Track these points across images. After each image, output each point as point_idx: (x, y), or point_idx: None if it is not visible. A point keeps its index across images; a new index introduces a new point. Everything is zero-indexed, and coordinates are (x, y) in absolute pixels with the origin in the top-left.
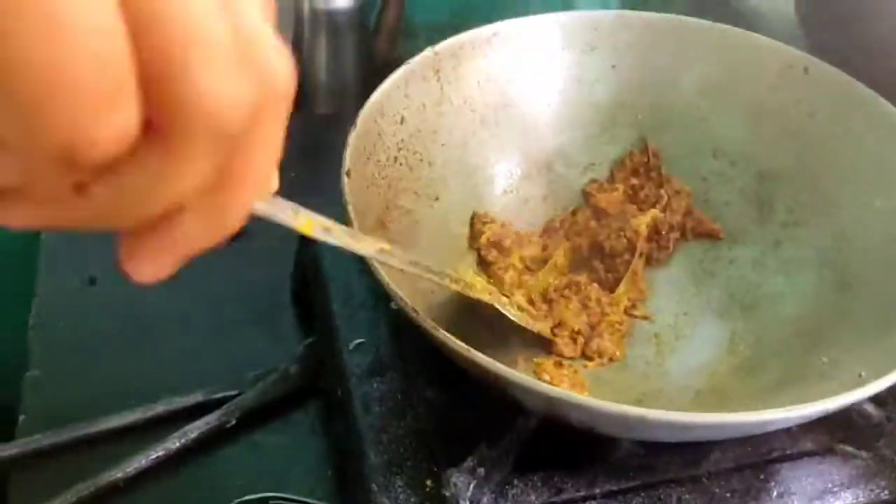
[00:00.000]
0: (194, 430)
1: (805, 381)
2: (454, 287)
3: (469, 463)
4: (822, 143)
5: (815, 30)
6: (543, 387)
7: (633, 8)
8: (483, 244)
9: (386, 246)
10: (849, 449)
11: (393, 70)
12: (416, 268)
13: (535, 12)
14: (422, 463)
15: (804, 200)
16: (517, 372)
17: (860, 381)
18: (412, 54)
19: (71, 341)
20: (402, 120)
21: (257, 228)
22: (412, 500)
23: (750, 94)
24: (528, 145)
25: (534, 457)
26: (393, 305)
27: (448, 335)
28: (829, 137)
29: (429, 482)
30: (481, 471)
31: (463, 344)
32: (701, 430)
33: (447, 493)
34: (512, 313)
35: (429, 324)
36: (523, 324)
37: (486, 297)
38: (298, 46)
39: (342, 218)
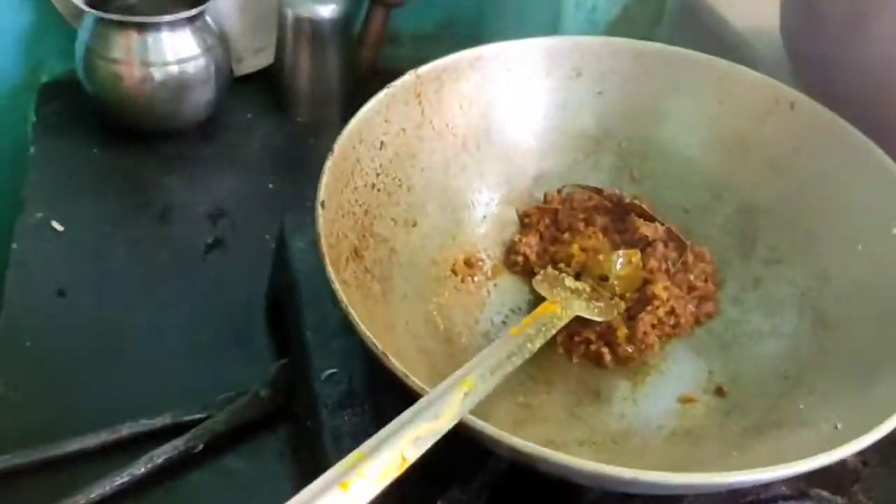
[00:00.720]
0: (161, 455)
1: (780, 428)
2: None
3: None
4: (806, 180)
5: (803, 65)
6: (511, 439)
7: (619, 35)
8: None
9: (467, 389)
10: (824, 494)
11: (376, 81)
12: (505, 367)
13: (520, 25)
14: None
15: (786, 237)
16: (485, 423)
17: (836, 434)
18: (396, 64)
19: (38, 357)
20: (382, 145)
21: (234, 240)
22: None
23: (736, 126)
24: (510, 171)
25: (505, 500)
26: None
27: (416, 381)
28: (813, 174)
29: None
30: None
31: (423, 386)
32: (672, 489)
33: None
34: (596, 313)
35: (398, 369)
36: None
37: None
38: (281, 54)
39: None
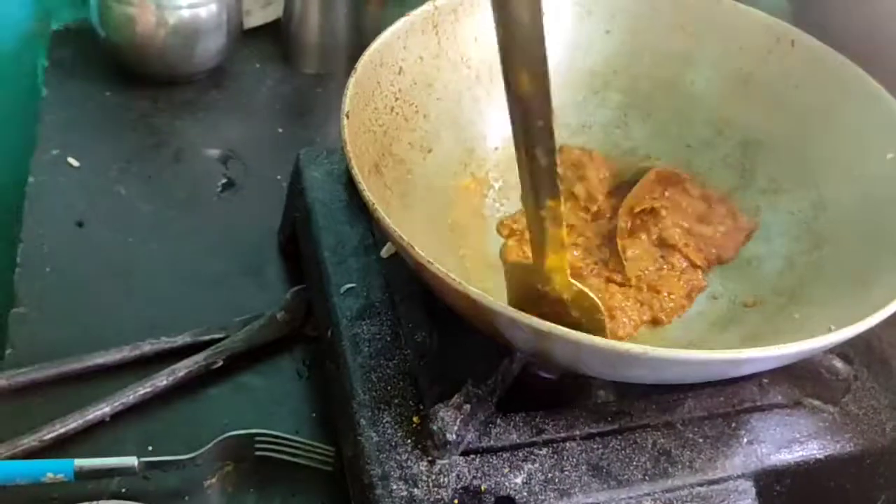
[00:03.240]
0: (182, 368)
1: (777, 335)
2: None
3: (455, 400)
4: (805, 114)
5: (802, 3)
6: (531, 319)
7: None
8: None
9: None
10: (816, 403)
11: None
12: None
13: None
14: (409, 401)
15: (785, 168)
16: (504, 305)
17: (830, 333)
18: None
19: (58, 282)
20: (400, 70)
21: (245, 181)
22: (398, 434)
23: (738, 64)
24: None
25: (517, 399)
26: (383, 253)
27: (440, 268)
28: (812, 108)
29: (415, 419)
30: (467, 408)
31: (455, 277)
32: (677, 366)
33: (434, 427)
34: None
35: (422, 257)
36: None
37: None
38: (290, 7)
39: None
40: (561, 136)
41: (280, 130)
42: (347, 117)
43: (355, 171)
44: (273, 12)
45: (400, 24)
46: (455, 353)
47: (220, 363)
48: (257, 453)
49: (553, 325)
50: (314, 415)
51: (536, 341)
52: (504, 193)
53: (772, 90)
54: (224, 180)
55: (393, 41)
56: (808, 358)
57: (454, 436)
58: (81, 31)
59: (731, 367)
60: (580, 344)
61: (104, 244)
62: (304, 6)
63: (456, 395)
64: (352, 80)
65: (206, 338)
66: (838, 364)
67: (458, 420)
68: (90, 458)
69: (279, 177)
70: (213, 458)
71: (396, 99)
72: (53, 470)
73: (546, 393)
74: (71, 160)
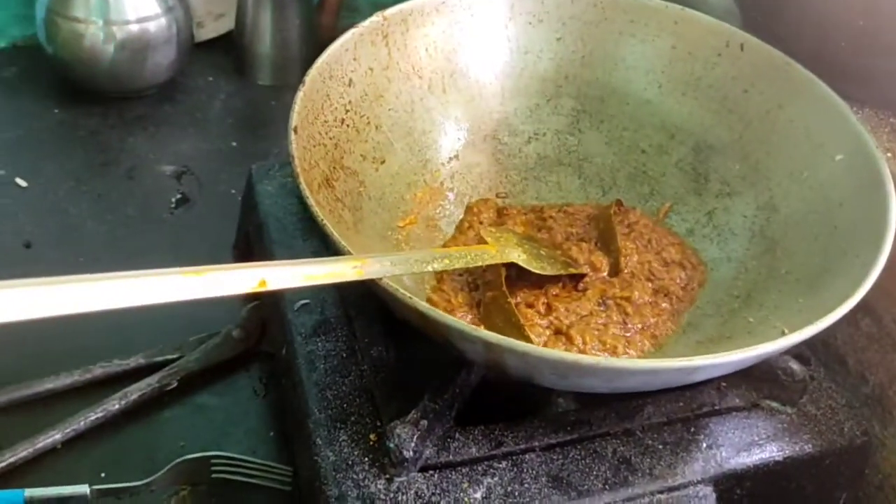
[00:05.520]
0: (135, 391)
1: (731, 339)
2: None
3: (412, 416)
4: (756, 117)
5: (750, 6)
6: (480, 332)
7: None
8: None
9: (359, 264)
10: (774, 405)
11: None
12: (408, 266)
13: None
14: (366, 418)
15: (737, 172)
16: (456, 319)
17: (782, 337)
18: None
19: None
20: (350, 82)
21: (199, 196)
22: (355, 453)
23: (689, 69)
24: (474, 113)
25: (475, 412)
26: None
27: (393, 285)
28: (762, 111)
29: (372, 436)
30: (424, 423)
31: (404, 291)
32: (628, 376)
33: (391, 445)
34: (535, 266)
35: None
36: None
37: (499, 259)
38: (242, 19)
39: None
40: (515, 143)
41: (234, 144)
42: (296, 132)
43: (302, 186)
44: (225, 24)
45: (348, 35)
46: (413, 368)
47: (175, 384)
48: (213, 476)
49: (502, 336)
50: (272, 434)
51: (487, 353)
52: (459, 202)
53: (722, 94)
54: (178, 196)
55: (341, 53)
56: (765, 360)
57: (411, 452)
58: (29, 49)
59: (682, 375)
60: (528, 355)
61: (53, 265)
62: (257, 18)
63: (413, 411)
64: (300, 94)
65: (160, 358)
66: (794, 366)
67: (416, 436)
68: (41, 487)
69: (234, 191)
70: (169, 483)
71: (347, 111)
72: (3, 501)
73: (507, 403)
74: (18, 180)
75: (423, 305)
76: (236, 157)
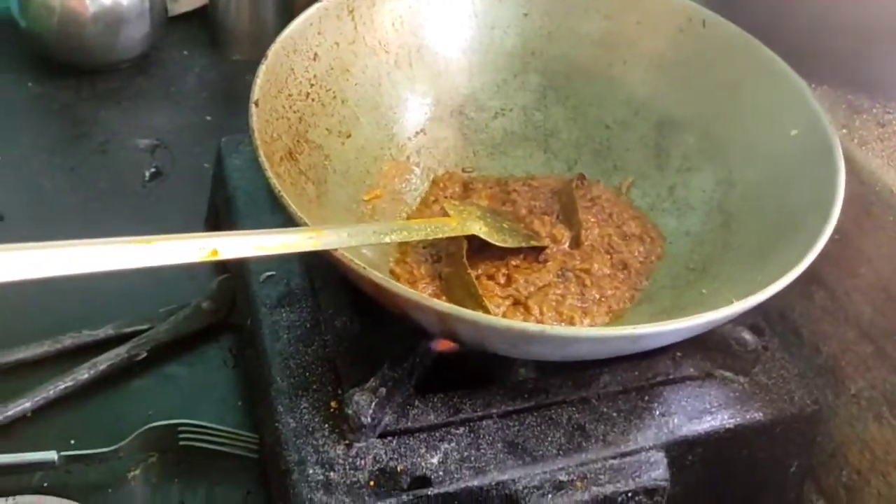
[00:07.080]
0: (104, 361)
1: (685, 311)
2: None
3: (371, 383)
4: (715, 94)
5: None
6: (432, 301)
7: None
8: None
9: (314, 234)
10: (727, 374)
11: None
12: (364, 237)
13: None
14: (327, 386)
15: (697, 148)
16: (408, 288)
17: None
18: None
19: None
20: (315, 56)
21: (173, 170)
22: (316, 420)
23: (652, 45)
24: (441, 88)
25: (434, 380)
26: None
27: (348, 256)
28: (723, 87)
29: (333, 403)
30: (383, 391)
31: (361, 264)
32: (575, 343)
33: (349, 412)
34: (496, 239)
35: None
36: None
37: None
38: None
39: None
40: (482, 118)
41: (208, 118)
42: (256, 105)
43: (262, 158)
44: None
45: (313, 10)
46: (376, 338)
47: (144, 354)
48: (181, 443)
49: (453, 306)
50: (240, 403)
51: (440, 323)
52: (425, 176)
53: (684, 70)
54: (151, 170)
55: (306, 28)
56: (719, 331)
57: (369, 419)
58: (1, 22)
59: (628, 343)
60: (478, 324)
61: (26, 237)
62: None
63: (372, 379)
64: (262, 68)
65: (130, 329)
66: (747, 336)
67: (374, 403)
68: (11, 454)
69: (207, 165)
70: (136, 450)
71: (312, 85)
72: None
73: (466, 371)
74: None
75: (378, 276)
76: (210, 131)
